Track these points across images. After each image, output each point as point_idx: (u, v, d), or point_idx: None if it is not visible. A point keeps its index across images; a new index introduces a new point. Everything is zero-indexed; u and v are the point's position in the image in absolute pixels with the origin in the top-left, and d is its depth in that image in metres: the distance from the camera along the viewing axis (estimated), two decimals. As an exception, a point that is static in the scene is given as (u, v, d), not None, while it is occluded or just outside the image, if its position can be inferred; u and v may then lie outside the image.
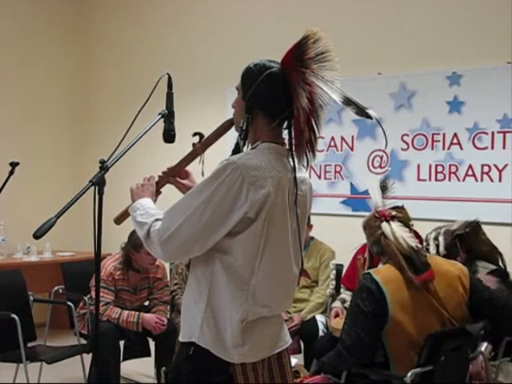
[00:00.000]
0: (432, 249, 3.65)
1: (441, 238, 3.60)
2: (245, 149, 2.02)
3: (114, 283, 4.33)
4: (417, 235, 2.96)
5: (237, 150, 2.02)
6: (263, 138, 2.01)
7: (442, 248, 3.56)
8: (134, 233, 4.12)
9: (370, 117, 2.05)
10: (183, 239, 1.90)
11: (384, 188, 4.25)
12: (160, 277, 4.56)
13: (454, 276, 2.88)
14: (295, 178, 2.00)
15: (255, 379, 2.00)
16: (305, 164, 2.01)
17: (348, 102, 2.01)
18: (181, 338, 2.03)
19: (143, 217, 2.01)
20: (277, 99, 1.98)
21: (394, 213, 2.96)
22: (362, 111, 2.04)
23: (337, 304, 4.26)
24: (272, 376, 2.07)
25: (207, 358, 1.95)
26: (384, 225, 2.91)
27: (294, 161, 1.99)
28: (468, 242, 3.57)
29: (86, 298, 4.44)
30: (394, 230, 2.87)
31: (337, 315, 4.12)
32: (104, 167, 2.01)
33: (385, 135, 2.21)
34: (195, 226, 1.88)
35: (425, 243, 3.72)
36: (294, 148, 1.99)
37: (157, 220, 1.97)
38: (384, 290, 2.71)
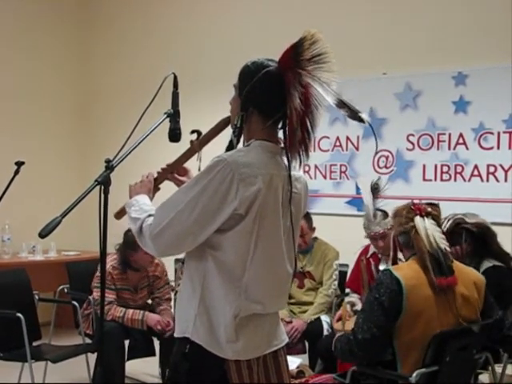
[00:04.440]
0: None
1: (449, 222, 3.58)
2: (239, 146, 2.03)
3: (114, 282, 4.34)
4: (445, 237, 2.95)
5: (230, 147, 2.04)
6: (257, 136, 2.02)
7: (444, 230, 3.55)
8: (128, 233, 4.13)
9: (362, 120, 2.06)
10: (173, 234, 1.92)
11: (375, 190, 4.24)
12: (159, 275, 4.56)
13: (470, 280, 2.88)
14: (290, 176, 2.01)
15: (250, 377, 2.00)
16: (297, 163, 2.02)
17: (341, 104, 2.02)
18: (176, 334, 2.05)
19: (137, 212, 2.04)
20: (272, 98, 1.99)
21: (429, 209, 2.91)
22: (354, 115, 2.05)
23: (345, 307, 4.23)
24: (268, 375, 2.08)
25: (202, 355, 1.96)
26: (418, 219, 2.87)
27: (288, 159, 2.00)
28: (478, 238, 3.55)
29: (90, 298, 4.44)
30: (428, 227, 2.84)
31: (339, 319, 4.09)
32: (109, 166, 2.01)
33: (375, 138, 2.22)
34: (185, 221, 1.90)
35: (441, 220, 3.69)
36: (287, 147, 2.00)
37: (150, 215, 1.99)
38: (404, 287, 2.68)
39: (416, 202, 3.01)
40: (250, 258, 1.95)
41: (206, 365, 1.97)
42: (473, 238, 3.53)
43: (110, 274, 4.31)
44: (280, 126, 2.05)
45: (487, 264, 3.49)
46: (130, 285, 4.44)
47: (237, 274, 1.95)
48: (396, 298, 2.69)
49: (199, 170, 2.06)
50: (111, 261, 4.37)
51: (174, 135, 2.24)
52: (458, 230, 3.53)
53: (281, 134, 2.05)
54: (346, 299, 4.33)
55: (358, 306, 4.09)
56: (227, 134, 2.17)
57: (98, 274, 4.29)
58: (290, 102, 1.93)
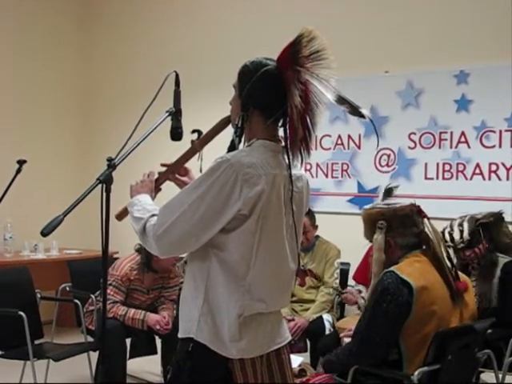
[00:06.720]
0: (456, 234, 3.64)
1: (465, 225, 3.60)
2: (241, 146, 2.03)
3: (129, 284, 4.31)
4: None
5: (232, 147, 2.04)
6: (259, 135, 2.02)
7: (465, 234, 3.57)
8: None
9: (363, 116, 2.06)
10: (177, 234, 1.93)
11: (387, 192, 4.23)
12: (172, 276, 4.54)
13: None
14: (290, 175, 2.01)
15: (254, 375, 2.01)
16: (299, 162, 2.02)
17: (342, 100, 2.02)
18: (179, 335, 2.05)
19: (140, 212, 2.04)
20: (272, 97, 1.99)
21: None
22: (355, 110, 2.05)
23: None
24: (271, 373, 2.09)
25: (206, 354, 1.96)
26: (427, 223, 2.79)
27: (289, 158, 2.00)
28: (491, 231, 3.60)
29: (93, 296, 4.43)
30: (436, 231, 2.80)
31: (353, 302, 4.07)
32: (111, 165, 2.01)
33: (377, 133, 2.21)
34: (189, 221, 1.91)
35: (448, 229, 3.70)
36: (288, 145, 2.00)
37: (153, 215, 2.00)
38: (414, 289, 2.63)
39: (417, 204, 2.93)
40: (254, 257, 1.95)
41: (210, 364, 1.97)
42: (489, 231, 3.57)
43: (126, 276, 4.27)
44: (280, 124, 2.05)
45: (503, 260, 3.53)
46: (143, 286, 4.41)
47: (240, 273, 1.95)
48: (404, 304, 2.62)
49: (200, 170, 2.07)
50: (129, 261, 4.34)
51: (176, 134, 2.24)
52: (476, 228, 3.57)
53: (281, 132, 2.05)
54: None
55: (364, 293, 4.09)
56: (228, 133, 2.17)
57: (110, 271, 4.28)
58: (291, 100, 1.93)
